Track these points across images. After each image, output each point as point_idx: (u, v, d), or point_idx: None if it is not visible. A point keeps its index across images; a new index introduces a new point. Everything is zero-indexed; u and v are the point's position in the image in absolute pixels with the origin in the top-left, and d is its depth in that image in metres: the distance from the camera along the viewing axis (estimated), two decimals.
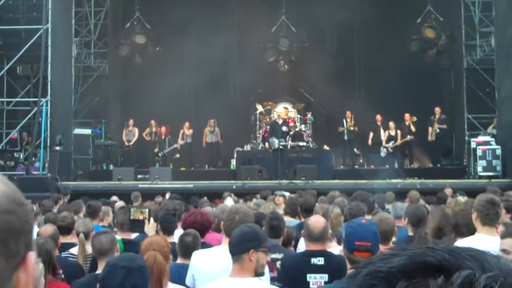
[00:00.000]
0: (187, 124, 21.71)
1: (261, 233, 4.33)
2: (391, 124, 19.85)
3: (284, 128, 19.27)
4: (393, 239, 6.52)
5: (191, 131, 21.69)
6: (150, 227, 6.33)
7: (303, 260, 5.33)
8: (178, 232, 6.49)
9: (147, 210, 6.55)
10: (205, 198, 11.83)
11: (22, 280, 1.04)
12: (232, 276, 4.05)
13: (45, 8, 18.06)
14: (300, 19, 23.23)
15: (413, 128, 19.86)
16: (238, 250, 4.08)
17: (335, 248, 5.77)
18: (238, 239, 4.11)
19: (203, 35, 23.80)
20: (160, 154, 21.22)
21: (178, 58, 23.15)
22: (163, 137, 21.52)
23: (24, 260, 1.05)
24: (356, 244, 4.14)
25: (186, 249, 5.44)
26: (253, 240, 4.14)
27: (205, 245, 5.68)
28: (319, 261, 5.22)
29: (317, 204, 8.31)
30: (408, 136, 19.67)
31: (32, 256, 1.06)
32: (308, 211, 8.23)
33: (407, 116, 20.05)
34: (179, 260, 5.47)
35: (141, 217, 6.34)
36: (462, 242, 5.11)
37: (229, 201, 10.50)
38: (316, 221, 5.44)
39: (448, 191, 13.69)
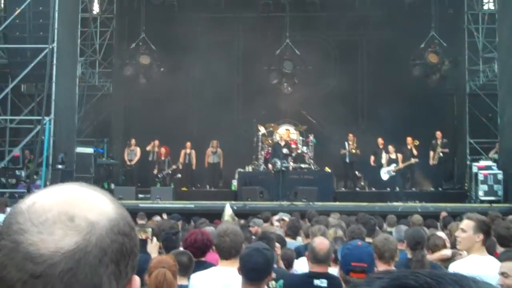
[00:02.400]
0: (188, 144, 21.76)
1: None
2: (391, 147, 19.85)
3: (285, 150, 19.30)
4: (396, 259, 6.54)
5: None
6: (153, 247, 6.32)
7: (306, 281, 5.33)
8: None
9: (150, 229, 6.54)
10: (203, 219, 11.82)
11: None
12: None
13: (51, 27, 18.18)
14: (304, 43, 23.39)
15: (415, 152, 19.86)
16: (265, 275, 4.17)
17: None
18: (264, 264, 4.18)
19: (207, 57, 23.95)
20: (159, 176, 21.23)
21: (182, 79, 23.27)
22: (162, 158, 21.54)
23: (129, 282, 1.08)
24: (353, 265, 4.19)
25: (181, 267, 5.44)
26: (273, 263, 4.23)
27: (207, 265, 5.66)
28: (322, 283, 5.22)
29: (314, 226, 8.31)
30: (412, 159, 19.65)
31: (136, 279, 1.09)
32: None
33: (409, 139, 20.05)
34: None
35: (143, 236, 6.29)
36: (460, 263, 5.11)
37: (228, 209, 10.52)
38: (321, 243, 5.45)
39: (443, 214, 13.72)
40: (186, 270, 5.37)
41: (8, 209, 14.31)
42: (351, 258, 4.24)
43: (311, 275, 5.33)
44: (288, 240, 8.60)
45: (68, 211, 1.02)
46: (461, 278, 0.84)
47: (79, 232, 1.01)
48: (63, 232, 1.00)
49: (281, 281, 5.67)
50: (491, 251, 5.64)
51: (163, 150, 21.61)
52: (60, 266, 0.97)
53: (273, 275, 5.56)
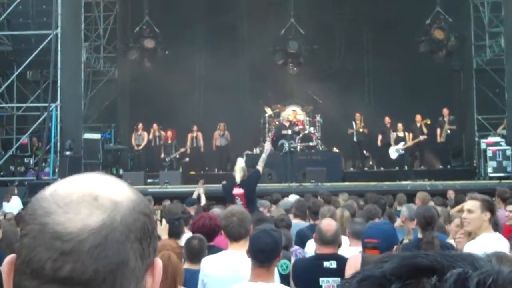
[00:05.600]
0: (195, 127, 21.78)
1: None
2: (399, 125, 19.81)
3: (289, 131, 19.25)
4: (406, 240, 6.53)
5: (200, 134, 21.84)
6: (162, 229, 6.34)
7: (316, 263, 5.32)
8: (187, 236, 6.48)
9: (158, 211, 6.57)
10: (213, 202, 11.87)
11: (149, 284, 1.09)
12: (253, 280, 4.06)
13: (54, 13, 18.15)
14: (308, 22, 23.22)
15: (425, 130, 19.77)
16: (273, 257, 4.11)
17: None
18: (273, 245, 4.13)
19: (211, 39, 23.87)
20: (166, 159, 21.24)
21: (187, 62, 23.18)
22: (169, 142, 21.56)
23: (152, 264, 1.09)
24: (365, 241, 4.22)
25: (191, 253, 5.43)
26: (281, 244, 4.20)
27: (216, 249, 5.66)
28: (331, 264, 5.21)
29: (323, 207, 8.29)
30: (421, 136, 19.58)
31: (159, 262, 1.11)
32: (316, 213, 8.23)
33: (418, 117, 19.97)
34: (186, 265, 5.47)
35: None
36: (474, 243, 5.11)
37: (240, 162, 10.63)
38: (328, 224, 5.43)
39: (450, 192, 13.70)
40: (198, 254, 5.37)
41: (13, 198, 14.37)
42: (365, 235, 4.29)
43: (320, 257, 5.33)
44: (297, 221, 8.58)
45: (92, 192, 1.06)
46: (468, 255, 0.85)
47: (104, 211, 1.04)
48: (89, 211, 1.03)
49: (284, 262, 5.63)
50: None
51: (169, 133, 21.63)
52: (89, 242, 1.00)
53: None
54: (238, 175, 10.21)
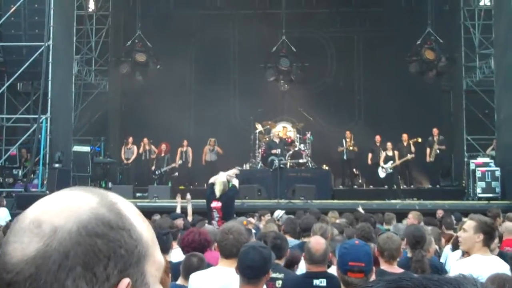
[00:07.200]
0: (185, 142, 21.73)
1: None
2: (389, 144, 19.82)
3: (278, 151, 19.24)
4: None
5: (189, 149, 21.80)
6: None
7: (305, 282, 5.29)
8: (176, 251, 6.43)
9: None
10: (200, 217, 11.84)
11: None
12: None
13: (46, 25, 18.11)
14: (300, 39, 23.34)
15: (412, 149, 19.81)
16: (262, 273, 4.10)
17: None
18: (261, 262, 4.11)
19: (203, 54, 23.94)
20: (157, 172, 21.16)
21: (179, 77, 23.20)
22: (162, 155, 21.49)
23: (115, 286, 1.04)
24: (350, 264, 4.16)
25: (189, 270, 5.38)
26: (270, 261, 4.17)
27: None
28: (321, 282, 5.18)
29: (315, 224, 8.25)
30: (409, 155, 19.60)
31: (125, 282, 1.04)
32: (307, 230, 8.19)
33: (405, 136, 20.02)
34: (180, 281, 5.41)
35: None
36: (462, 263, 5.11)
37: (221, 177, 10.66)
38: (317, 243, 5.40)
39: (440, 212, 13.76)
40: (194, 272, 5.31)
41: (1, 209, 14.26)
42: (348, 258, 4.21)
43: (310, 275, 5.30)
44: (288, 238, 8.54)
45: (38, 218, 1.03)
46: (454, 279, 0.84)
47: (41, 238, 1.01)
48: (29, 239, 1.01)
49: None
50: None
51: (163, 146, 21.55)
52: (23, 273, 0.98)
53: (280, 275, 5.55)
54: (218, 189, 10.33)
